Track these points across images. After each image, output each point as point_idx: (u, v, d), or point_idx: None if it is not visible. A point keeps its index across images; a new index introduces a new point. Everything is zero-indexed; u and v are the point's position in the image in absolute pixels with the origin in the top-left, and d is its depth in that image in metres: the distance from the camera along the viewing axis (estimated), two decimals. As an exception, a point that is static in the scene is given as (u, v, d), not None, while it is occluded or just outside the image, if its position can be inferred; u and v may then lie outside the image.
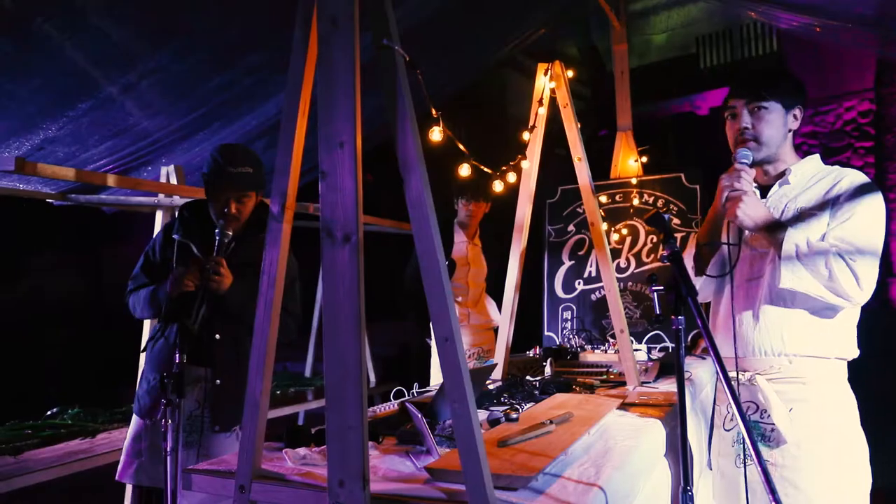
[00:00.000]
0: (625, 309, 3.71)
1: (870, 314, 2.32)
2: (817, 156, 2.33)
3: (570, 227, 4.72)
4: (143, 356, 2.90)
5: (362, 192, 1.51)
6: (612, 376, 3.31)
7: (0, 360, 6.98)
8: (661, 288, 1.91)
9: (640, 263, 4.51)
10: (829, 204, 2.15)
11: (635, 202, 4.66)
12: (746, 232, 2.25)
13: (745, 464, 2.23)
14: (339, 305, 1.48)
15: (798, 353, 2.16)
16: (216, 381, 2.61)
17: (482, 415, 2.38)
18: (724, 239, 2.31)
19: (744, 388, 2.24)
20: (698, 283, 2.36)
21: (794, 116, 2.27)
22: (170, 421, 2.06)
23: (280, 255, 1.73)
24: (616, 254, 4.55)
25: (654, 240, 4.49)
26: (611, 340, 3.95)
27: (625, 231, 4.62)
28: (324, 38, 1.56)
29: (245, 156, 2.70)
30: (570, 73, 3.22)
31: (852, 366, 2.25)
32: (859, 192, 2.12)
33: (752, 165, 2.25)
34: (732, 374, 2.19)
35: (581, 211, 4.59)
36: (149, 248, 2.84)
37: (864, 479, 2.16)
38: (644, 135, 5.69)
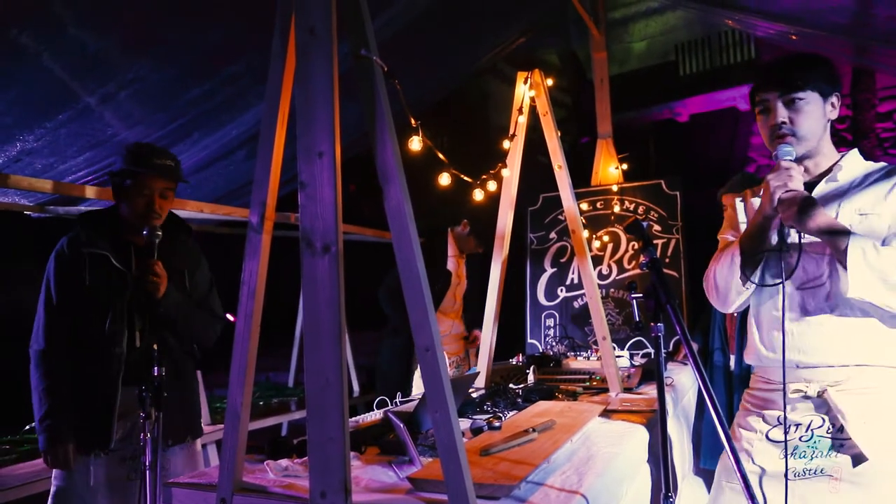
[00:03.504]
0: (607, 316, 3.72)
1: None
2: (856, 150, 2.12)
3: (552, 235, 4.74)
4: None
5: (342, 202, 1.51)
6: (594, 383, 3.32)
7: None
8: (641, 295, 1.90)
9: (621, 270, 4.54)
10: (890, 205, 1.96)
11: (616, 209, 4.69)
12: (796, 235, 2.00)
13: (786, 477, 2.01)
14: (319, 315, 1.47)
15: (867, 362, 1.97)
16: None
17: (465, 423, 2.38)
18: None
19: (807, 402, 2.04)
20: (742, 292, 2.13)
21: (832, 105, 2.07)
22: (148, 435, 2.04)
23: (260, 265, 1.72)
24: (598, 261, 4.57)
25: (636, 247, 4.52)
26: (593, 347, 3.97)
27: (606, 238, 4.65)
28: (302, 48, 1.57)
29: (166, 152, 2.61)
30: (550, 82, 3.23)
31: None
32: None
33: (799, 159, 2.05)
34: (785, 386, 2.02)
35: (562, 218, 4.61)
36: (45, 293, 2.53)
37: None
38: (624, 142, 5.73)
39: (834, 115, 2.08)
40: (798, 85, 2.02)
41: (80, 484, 2.43)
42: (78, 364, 2.47)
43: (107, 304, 2.47)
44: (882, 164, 2.07)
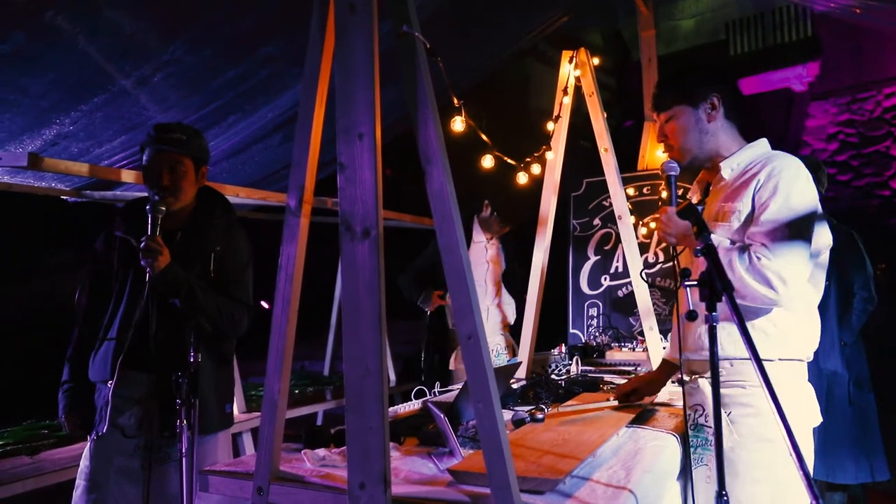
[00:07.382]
0: (653, 305, 3.61)
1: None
2: (762, 141, 2.18)
3: (596, 221, 4.63)
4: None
5: (382, 185, 1.46)
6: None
7: (16, 359, 7.04)
8: (695, 282, 1.81)
9: (668, 258, 4.41)
10: (747, 204, 2.02)
11: (664, 195, 4.56)
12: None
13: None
14: (358, 301, 1.43)
15: (736, 356, 2.01)
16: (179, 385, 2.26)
17: (506, 415, 2.32)
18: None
19: (692, 391, 2.15)
20: None
21: (712, 105, 2.15)
22: (184, 422, 2.01)
23: (298, 250, 1.68)
24: (644, 248, 4.44)
25: (683, 233, 4.40)
26: (639, 338, 3.87)
27: (653, 225, 4.52)
28: (341, 26, 1.52)
29: (179, 126, 2.56)
30: (595, 61, 3.14)
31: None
32: (778, 182, 1.96)
33: (690, 168, 2.24)
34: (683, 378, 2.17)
35: (607, 204, 4.49)
36: (90, 272, 2.62)
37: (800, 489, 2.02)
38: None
39: (717, 113, 2.16)
40: (664, 104, 2.22)
41: (97, 467, 2.44)
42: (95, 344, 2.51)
43: (126, 288, 2.49)
44: (774, 153, 2.11)
